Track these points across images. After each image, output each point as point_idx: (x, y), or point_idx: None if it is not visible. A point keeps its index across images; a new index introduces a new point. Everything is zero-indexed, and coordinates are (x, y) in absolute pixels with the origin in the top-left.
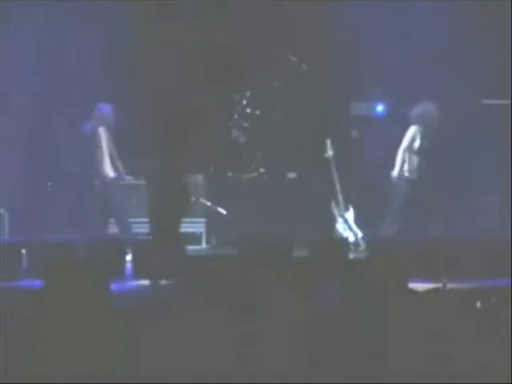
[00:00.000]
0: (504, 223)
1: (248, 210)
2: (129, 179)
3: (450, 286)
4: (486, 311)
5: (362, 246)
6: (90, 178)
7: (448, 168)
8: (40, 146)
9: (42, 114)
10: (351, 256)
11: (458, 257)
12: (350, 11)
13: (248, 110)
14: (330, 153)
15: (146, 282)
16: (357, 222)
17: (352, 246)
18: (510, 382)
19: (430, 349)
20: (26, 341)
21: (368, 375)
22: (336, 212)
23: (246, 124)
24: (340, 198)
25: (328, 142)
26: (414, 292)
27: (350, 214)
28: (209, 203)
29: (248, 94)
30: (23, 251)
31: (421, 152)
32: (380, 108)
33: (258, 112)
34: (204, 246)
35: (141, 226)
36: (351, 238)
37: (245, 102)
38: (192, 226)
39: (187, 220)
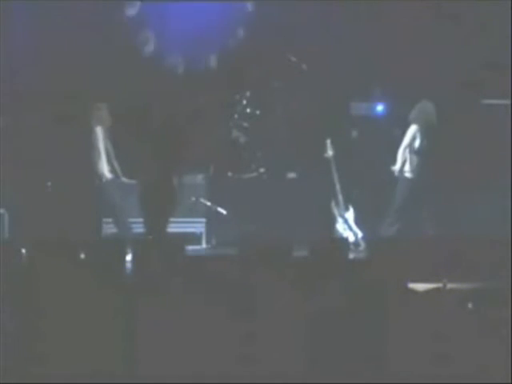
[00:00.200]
0: (504, 223)
1: (248, 210)
2: (127, 179)
3: (449, 285)
4: (486, 311)
5: (362, 245)
6: (87, 178)
7: (448, 168)
8: (40, 145)
9: (42, 114)
10: (351, 256)
11: (458, 257)
12: (350, 11)
13: (248, 110)
14: (330, 153)
15: (145, 282)
16: (357, 222)
17: (352, 246)
18: (510, 382)
19: (430, 349)
20: (26, 341)
21: (368, 375)
22: (336, 212)
23: (246, 124)
24: (340, 197)
25: (328, 141)
26: (414, 292)
27: (350, 214)
28: (209, 203)
29: (248, 93)
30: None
31: (421, 151)
32: (380, 108)
33: (258, 112)
34: (204, 245)
35: (140, 226)
36: (351, 238)
37: (245, 101)
38: (192, 225)
39: (187, 220)
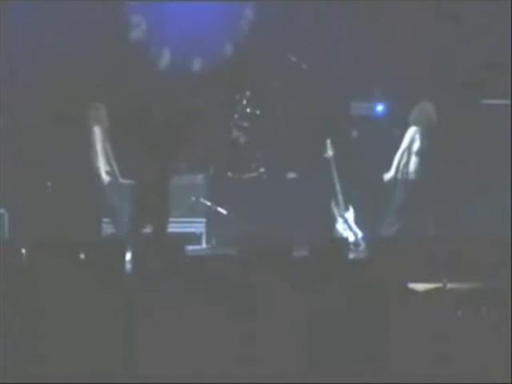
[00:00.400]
0: (504, 223)
1: (248, 210)
2: (126, 179)
3: (449, 285)
4: (486, 311)
5: (362, 245)
6: (87, 178)
7: (448, 168)
8: (39, 145)
9: (42, 114)
10: (351, 256)
11: (458, 257)
12: (350, 11)
13: (248, 110)
14: (329, 153)
15: (145, 282)
16: (357, 222)
17: (352, 246)
18: (510, 382)
19: (429, 349)
20: (26, 341)
21: (368, 375)
22: (336, 212)
23: (246, 124)
24: (340, 197)
25: (328, 141)
26: (414, 292)
27: (350, 214)
28: (209, 203)
29: (248, 93)
30: (23, 251)
31: (421, 152)
32: (380, 108)
33: (258, 112)
34: (204, 245)
35: (139, 226)
36: (351, 238)
37: (245, 101)
38: (192, 225)
39: (187, 220)
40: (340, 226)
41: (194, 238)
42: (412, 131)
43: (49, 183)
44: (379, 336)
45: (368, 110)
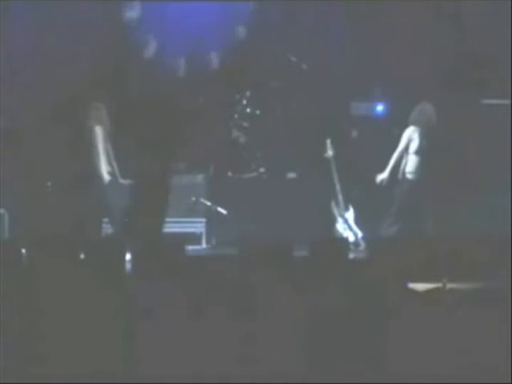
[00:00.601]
0: (504, 223)
1: (248, 210)
2: (126, 179)
3: (449, 285)
4: (486, 311)
5: (362, 245)
6: (87, 178)
7: (448, 168)
8: (40, 145)
9: (42, 114)
10: (351, 256)
11: (458, 257)
12: (350, 11)
13: (248, 110)
14: (329, 153)
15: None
16: (357, 222)
17: (352, 246)
18: (510, 382)
19: (429, 349)
20: (26, 341)
21: (368, 375)
22: (336, 212)
23: (246, 124)
24: (340, 197)
25: (328, 141)
26: (414, 292)
27: (350, 214)
28: (209, 203)
29: (248, 93)
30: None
31: (421, 152)
32: (380, 108)
33: (258, 112)
34: (204, 245)
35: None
36: (351, 238)
37: (245, 101)
38: (192, 225)
39: (187, 220)
40: (340, 226)
41: (194, 238)
42: (410, 131)
43: (49, 183)
44: (379, 336)
45: (368, 110)
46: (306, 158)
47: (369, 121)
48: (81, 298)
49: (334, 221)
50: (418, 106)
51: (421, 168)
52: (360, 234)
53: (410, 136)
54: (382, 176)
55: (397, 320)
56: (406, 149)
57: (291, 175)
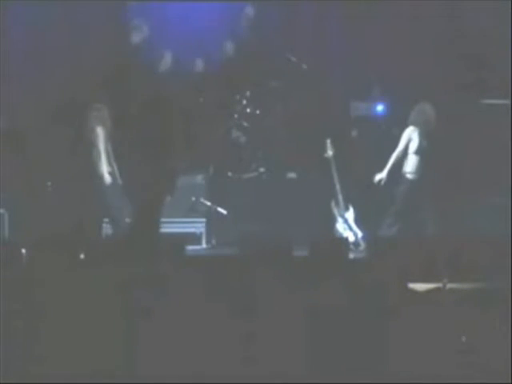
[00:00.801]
0: (504, 223)
1: (248, 210)
2: (126, 179)
3: (449, 285)
4: (486, 311)
5: (362, 245)
6: (87, 178)
7: (448, 168)
8: (40, 145)
9: (42, 114)
10: (351, 256)
11: (458, 257)
12: (350, 11)
13: (248, 110)
14: (329, 153)
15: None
16: (357, 222)
17: (352, 246)
18: (510, 382)
19: (429, 349)
20: (26, 341)
21: (368, 375)
22: (336, 212)
23: (246, 124)
24: (340, 197)
25: (328, 141)
26: (414, 292)
27: (350, 214)
28: (209, 203)
29: (248, 93)
30: (23, 251)
31: (421, 152)
32: (380, 108)
33: (258, 112)
34: (204, 245)
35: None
36: (351, 238)
37: (245, 101)
38: (192, 225)
39: (187, 220)
40: (340, 226)
41: (194, 238)
42: (410, 131)
43: (49, 183)
44: (379, 336)
45: (368, 110)
46: (306, 157)
47: (369, 121)
48: (81, 298)
49: (334, 221)
50: (417, 106)
51: (420, 168)
52: (360, 234)
53: (410, 136)
54: (380, 176)
55: (397, 320)
56: (406, 149)
57: (291, 175)
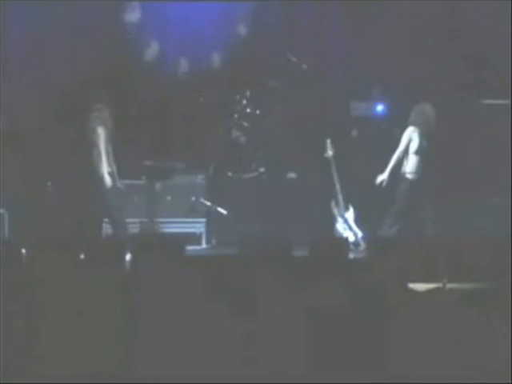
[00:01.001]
0: (504, 223)
1: (248, 210)
2: (126, 180)
3: (449, 285)
4: (486, 311)
5: (362, 245)
6: (87, 178)
7: (448, 168)
8: (40, 145)
9: (42, 114)
10: (351, 256)
11: (458, 257)
12: (350, 11)
13: (248, 110)
14: (329, 153)
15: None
16: (357, 222)
17: (352, 246)
18: (510, 382)
19: (429, 349)
20: (26, 341)
21: (368, 375)
22: (336, 212)
23: (246, 124)
24: (340, 197)
25: (328, 141)
26: (414, 292)
27: (350, 214)
28: (209, 203)
29: (248, 93)
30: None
31: (420, 152)
32: (380, 108)
33: (258, 112)
34: (204, 245)
35: (138, 226)
36: (351, 238)
37: (245, 101)
38: (192, 225)
39: (187, 220)
40: (340, 226)
41: (194, 238)
42: (410, 131)
43: (49, 183)
44: (379, 336)
45: (368, 110)
46: (306, 157)
47: (369, 121)
48: (81, 298)
49: (334, 221)
50: (417, 106)
51: (421, 168)
52: (360, 234)
53: (410, 136)
54: (382, 176)
55: (397, 320)
56: (406, 149)
57: (291, 175)
